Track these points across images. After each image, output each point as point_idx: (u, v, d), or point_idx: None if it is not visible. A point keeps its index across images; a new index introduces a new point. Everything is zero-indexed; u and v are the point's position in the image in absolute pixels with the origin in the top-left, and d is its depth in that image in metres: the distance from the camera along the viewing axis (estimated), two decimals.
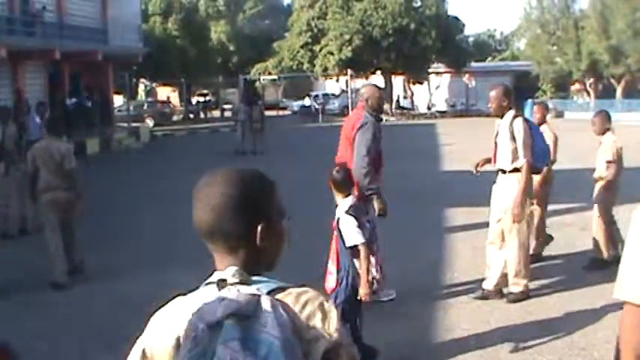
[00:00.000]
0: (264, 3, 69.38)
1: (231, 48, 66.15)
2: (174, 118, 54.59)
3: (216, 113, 59.24)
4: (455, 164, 20.79)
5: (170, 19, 53.63)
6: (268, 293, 1.82)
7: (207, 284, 1.94)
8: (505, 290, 8.02)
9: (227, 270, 1.88)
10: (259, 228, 1.96)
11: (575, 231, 11.45)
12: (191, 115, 57.51)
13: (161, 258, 10.41)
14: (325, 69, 53.43)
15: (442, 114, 54.11)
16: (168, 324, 1.91)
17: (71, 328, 7.69)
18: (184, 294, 1.97)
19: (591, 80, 51.50)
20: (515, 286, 7.95)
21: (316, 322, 1.87)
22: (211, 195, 1.94)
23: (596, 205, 9.43)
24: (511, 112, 7.93)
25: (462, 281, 8.83)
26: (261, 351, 1.68)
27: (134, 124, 38.23)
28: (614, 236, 9.29)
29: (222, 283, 1.84)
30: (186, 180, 16.97)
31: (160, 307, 2.00)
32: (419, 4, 54.34)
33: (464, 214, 12.91)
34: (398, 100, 58.13)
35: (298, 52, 55.58)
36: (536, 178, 8.81)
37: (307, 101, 59.03)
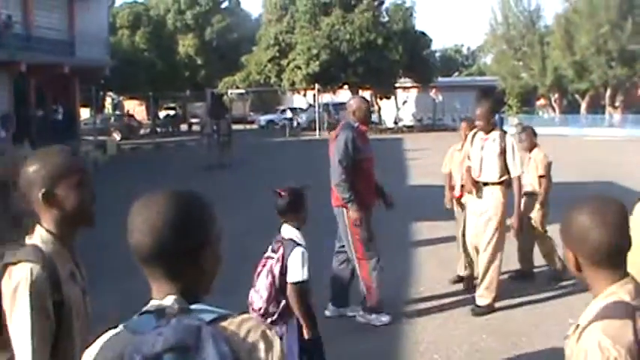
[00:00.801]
0: (232, 17, 69.14)
1: (199, 61, 65.97)
2: (142, 131, 54.36)
3: (184, 127, 59.10)
4: (421, 178, 20.89)
5: (138, 32, 53.49)
6: (209, 323, 1.76)
7: (143, 313, 1.85)
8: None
9: (166, 298, 1.82)
10: (204, 250, 1.92)
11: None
12: (158, 129, 57.29)
13: (125, 271, 10.33)
14: (293, 83, 53.49)
15: (409, 128, 54.36)
16: (105, 357, 1.82)
17: None
18: (116, 326, 1.88)
19: (556, 95, 52.05)
20: (482, 299, 8.04)
21: (260, 352, 1.82)
22: (153, 216, 1.86)
23: (531, 219, 9.53)
24: (497, 129, 8.35)
25: (428, 295, 8.88)
26: None
27: (101, 138, 38.01)
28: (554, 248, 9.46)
29: (160, 313, 1.77)
30: (148, 192, 17.04)
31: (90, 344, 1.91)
32: (386, 19, 54.64)
33: (430, 228, 12.97)
34: None
35: (266, 66, 55.58)
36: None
37: (275, 116, 59.22)
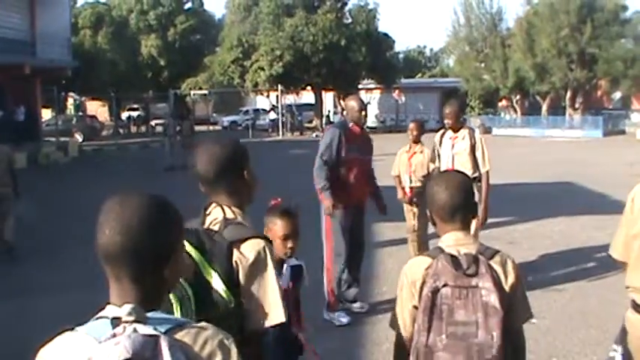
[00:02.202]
0: (195, 18, 68.97)
1: (162, 62, 65.72)
2: (104, 133, 53.95)
3: (144, 128, 58.80)
4: (384, 179, 20.98)
5: (100, 32, 53.10)
6: (165, 332, 1.73)
7: (98, 318, 1.83)
8: None
9: (123, 307, 1.75)
10: (171, 257, 1.92)
11: (502, 245, 11.68)
12: (121, 130, 56.91)
13: (88, 275, 10.28)
14: (256, 84, 53.48)
15: (372, 130, 54.37)
16: None
17: None
18: (72, 328, 1.85)
19: (518, 97, 52.55)
20: None
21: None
22: (127, 215, 1.85)
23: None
24: (466, 127, 8.74)
25: (391, 296, 8.94)
26: None
27: (62, 139, 37.68)
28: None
29: (116, 321, 1.73)
30: (111, 194, 16.97)
31: (44, 344, 1.88)
32: (349, 20, 54.80)
33: (392, 229, 13.03)
34: (328, 116, 58.43)
35: (229, 67, 55.48)
36: None
37: (237, 117, 59.13)
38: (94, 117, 54.98)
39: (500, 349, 2.85)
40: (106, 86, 51.39)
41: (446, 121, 8.79)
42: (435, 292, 2.91)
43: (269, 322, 2.76)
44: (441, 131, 9.00)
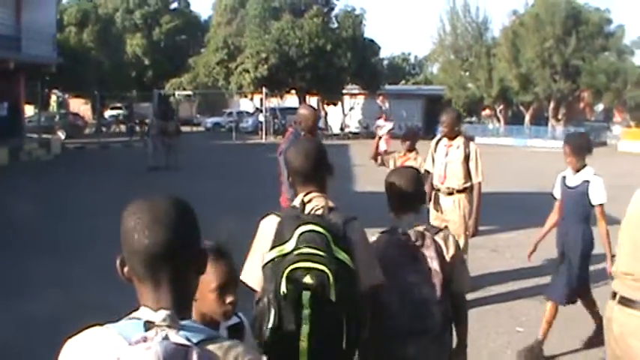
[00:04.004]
0: (181, 18, 68.91)
1: (146, 62, 65.59)
2: (87, 131, 53.71)
3: (123, 128, 58.65)
4: (367, 185, 21.01)
5: (86, 30, 52.89)
6: (197, 343, 1.73)
7: (130, 319, 1.85)
8: None
9: (159, 312, 1.75)
10: (199, 260, 1.97)
11: (486, 253, 11.75)
12: (104, 129, 56.69)
13: (67, 274, 10.23)
14: (240, 86, 53.43)
15: (355, 135, 54.52)
16: (85, 355, 1.80)
17: None
18: (101, 324, 1.85)
19: (501, 106, 52.79)
20: None
21: None
22: (164, 216, 1.87)
23: None
24: (461, 136, 8.83)
25: None
26: None
27: (45, 136, 37.47)
28: None
29: (149, 324, 1.72)
30: (95, 194, 16.66)
31: (72, 335, 1.89)
32: (336, 25, 54.88)
33: (375, 235, 13.07)
34: None
35: (214, 68, 55.44)
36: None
37: (221, 118, 59.04)
38: (77, 115, 54.73)
39: (441, 304, 3.66)
40: (89, 84, 51.16)
41: (441, 129, 8.86)
42: (390, 259, 3.69)
43: (378, 280, 3.51)
44: (437, 137, 9.07)
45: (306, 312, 3.14)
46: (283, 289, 3.12)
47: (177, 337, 1.67)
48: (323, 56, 50.71)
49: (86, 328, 1.88)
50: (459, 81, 53.38)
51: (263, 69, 50.51)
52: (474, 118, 56.04)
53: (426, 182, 8.89)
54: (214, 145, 43.02)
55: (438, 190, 8.76)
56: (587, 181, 6.90)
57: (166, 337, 1.65)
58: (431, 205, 8.86)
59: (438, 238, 3.79)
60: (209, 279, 2.86)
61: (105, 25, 55.92)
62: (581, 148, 6.97)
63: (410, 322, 3.65)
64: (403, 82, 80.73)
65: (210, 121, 62.58)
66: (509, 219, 14.74)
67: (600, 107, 51.67)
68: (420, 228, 3.80)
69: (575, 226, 7.07)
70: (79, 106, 63.31)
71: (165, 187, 21.06)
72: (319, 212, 3.45)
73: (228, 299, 2.93)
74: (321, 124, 58.34)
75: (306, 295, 3.12)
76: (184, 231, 1.89)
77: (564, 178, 7.15)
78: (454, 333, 3.95)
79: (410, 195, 3.90)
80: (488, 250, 11.84)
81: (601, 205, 6.85)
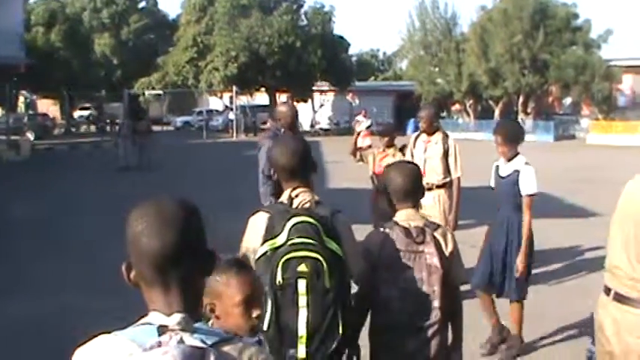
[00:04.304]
0: (149, 17, 68.56)
1: (115, 61, 65.20)
2: (55, 132, 53.36)
3: (93, 128, 58.44)
4: (340, 182, 21.06)
5: (53, 29, 52.42)
6: (212, 345, 1.72)
7: (141, 324, 1.82)
8: None
9: (173, 316, 1.76)
10: (214, 257, 1.96)
11: (465, 248, 11.79)
12: (73, 129, 56.35)
13: (47, 278, 10.18)
14: (210, 85, 53.32)
15: (326, 132, 54.52)
16: None
17: None
18: (109, 332, 1.82)
19: (471, 101, 52.99)
20: None
21: None
22: (170, 218, 1.85)
23: None
24: (440, 131, 8.78)
25: None
26: None
27: (14, 137, 37.08)
28: None
29: (163, 329, 1.72)
30: (70, 195, 16.54)
31: (80, 344, 1.85)
32: (305, 22, 54.87)
33: (358, 231, 13.11)
34: None
35: (184, 67, 55.24)
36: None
37: (190, 117, 58.88)
38: (46, 115, 54.34)
39: (440, 300, 3.71)
40: (58, 84, 50.77)
41: (420, 125, 8.90)
42: (391, 254, 3.75)
43: (359, 272, 3.71)
44: (416, 133, 9.11)
45: (302, 299, 3.28)
46: (279, 278, 3.26)
47: (193, 340, 1.67)
48: (293, 53, 50.73)
49: (94, 336, 1.85)
50: (429, 76, 53.47)
51: (233, 67, 50.44)
52: (444, 113, 56.14)
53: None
54: (185, 144, 42.85)
55: None
56: (518, 171, 6.78)
57: (181, 341, 1.65)
58: None
59: (437, 234, 3.86)
60: (232, 293, 2.77)
61: (73, 25, 55.41)
62: (512, 137, 6.88)
63: (410, 317, 3.74)
64: (372, 78, 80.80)
65: (180, 120, 62.43)
66: (485, 213, 14.81)
67: (568, 101, 52.02)
68: (420, 223, 3.88)
69: (510, 217, 6.92)
70: (48, 107, 62.88)
71: (138, 186, 20.99)
72: (307, 206, 3.63)
73: (255, 313, 2.81)
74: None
75: (302, 283, 3.27)
76: (193, 233, 1.88)
77: (497, 167, 7.05)
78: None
79: (409, 190, 3.96)
80: (467, 246, 11.74)
81: (530, 195, 6.74)
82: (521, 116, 49.36)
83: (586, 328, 7.33)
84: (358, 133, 9.75)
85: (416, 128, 51.61)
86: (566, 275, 9.93)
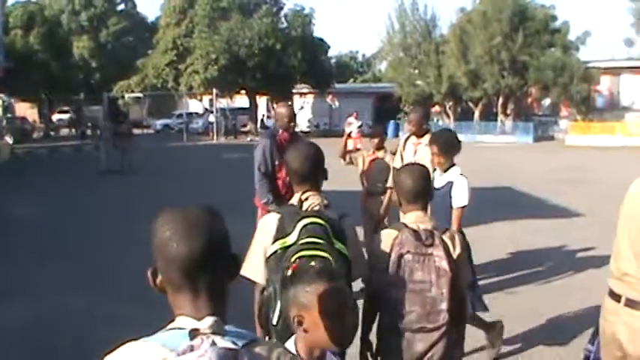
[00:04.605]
0: (128, 20, 68.34)
1: (94, 64, 64.91)
2: (35, 135, 53.07)
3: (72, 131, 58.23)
4: (329, 184, 21.11)
5: (32, 32, 52.11)
6: (243, 347, 1.76)
7: (171, 329, 1.87)
8: None
9: (205, 319, 1.77)
10: (238, 261, 2.03)
11: None
12: (52, 133, 56.03)
13: (35, 281, 10.16)
14: (190, 88, 53.25)
15: (306, 134, 54.47)
16: None
17: None
18: (135, 339, 1.85)
19: (451, 103, 53.14)
20: None
21: None
22: (198, 224, 1.90)
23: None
24: (429, 133, 8.59)
25: None
26: None
27: None
28: None
29: (194, 332, 1.71)
30: (52, 199, 16.39)
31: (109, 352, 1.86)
32: (285, 25, 54.88)
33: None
34: (262, 120, 58.43)
35: (163, 70, 55.13)
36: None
37: (170, 120, 58.76)
38: (25, 119, 54.03)
39: (448, 302, 3.73)
40: (36, 87, 50.48)
41: (409, 128, 8.92)
42: (400, 257, 3.77)
43: (365, 272, 3.97)
44: (406, 135, 9.13)
45: None
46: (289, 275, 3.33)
47: (225, 342, 1.70)
48: (273, 56, 50.72)
49: (120, 344, 1.86)
50: (409, 78, 53.56)
51: (213, 70, 50.36)
52: None
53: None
54: (166, 147, 42.67)
55: None
56: (452, 182, 6.55)
57: (213, 343, 1.67)
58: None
59: (445, 237, 3.87)
60: (317, 308, 2.61)
61: (51, 27, 55.09)
62: (448, 147, 6.61)
63: (418, 319, 3.77)
64: (351, 80, 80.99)
65: (159, 123, 62.18)
66: (470, 214, 14.91)
67: (547, 102, 52.27)
68: (429, 226, 3.89)
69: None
70: (25, 110, 62.43)
71: (122, 190, 20.94)
72: (317, 208, 3.81)
73: (345, 324, 2.67)
74: (271, 123, 58.45)
75: None
76: (219, 237, 1.93)
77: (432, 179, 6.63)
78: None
79: (419, 192, 4.00)
80: None
81: (460, 207, 6.49)
82: (500, 118, 49.66)
83: (577, 326, 7.41)
84: (348, 135, 9.75)
85: (396, 130, 51.61)
86: (554, 275, 10.00)
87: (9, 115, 55.81)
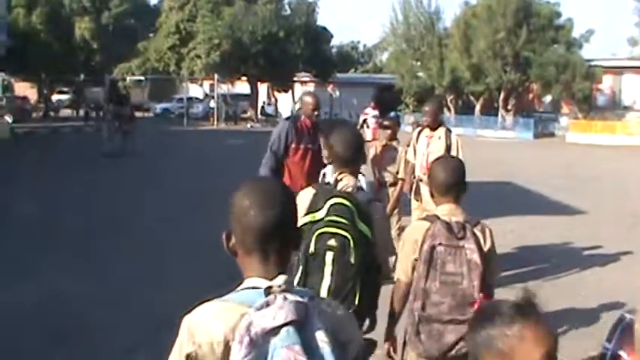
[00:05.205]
0: (130, 2, 68.02)
1: (95, 46, 64.61)
2: (34, 115, 52.93)
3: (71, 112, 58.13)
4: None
5: (34, 12, 51.91)
6: (309, 301, 1.94)
7: (245, 289, 2.07)
8: None
9: (278, 278, 1.96)
10: (301, 234, 2.34)
11: None
12: (52, 113, 55.88)
13: (35, 265, 10.12)
14: (192, 72, 53.11)
15: None
16: (213, 327, 1.97)
17: None
18: (210, 299, 2.05)
19: (452, 96, 53.04)
20: None
21: (345, 324, 2.11)
22: (270, 195, 2.14)
23: None
24: (443, 126, 8.81)
25: None
26: (316, 353, 1.84)
27: None
28: None
29: (269, 290, 1.91)
30: (57, 181, 16.32)
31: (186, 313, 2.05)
32: (289, 12, 54.77)
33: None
34: (263, 107, 58.36)
35: (165, 53, 54.97)
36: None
37: (170, 104, 58.69)
38: (25, 98, 53.85)
39: (479, 294, 3.70)
40: (37, 67, 50.28)
41: (424, 119, 8.90)
42: (433, 248, 3.81)
43: (392, 255, 4.13)
44: (419, 128, 9.12)
45: (327, 269, 3.69)
46: (312, 249, 3.68)
47: (293, 297, 1.89)
48: (275, 43, 50.66)
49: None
50: (411, 70, 53.50)
51: (215, 55, 50.26)
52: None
53: (408, 172, 9.01)
54: (167, 131, 42.51)
55: (420, 180, 8.80)
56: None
57: (285, 298, 1.87)
58: (412, 195, 8.94)
59: (477, 230, 3.92)
60: (530, 349, 1.98)
61: (54, 7, 54.87)
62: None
63: (449, 310, 3.82)
64: (352, 70, 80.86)
65: (159, 106, 61.96)
66: (475, 209, 14.85)
67: (549, 99, 52.18)
68: (460, 219, 3.93)
69: None
70: (25, 90, 62.26)
71: (127, 173, 20.93)
72: (349, 190, 4.00)
73: None
74: (271, 110, 58.46)
75: (329, 255, 3.67)
76: (289, 211, 2.18)
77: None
78: None
79: (451, 184, 4.04)
80: None
81: None
82: (501, 113, 49.60)
83: (586, 322, 7.43)
84: (362, 123, 9.69)
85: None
86: (561, 271, 10.01)
87: (8, 95, 55.67)
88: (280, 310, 1.83)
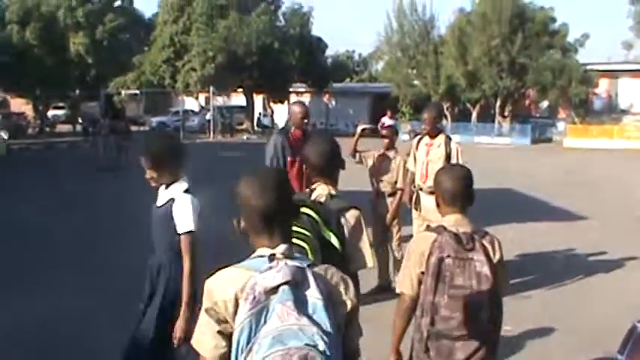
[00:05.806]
0: (124, 16, 67.92)
1: (90, 60, 64.53)
2: (30, 131, 52.88)
3: (68, 127, 58.03)
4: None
5: (28, 27, 51.85)
6: (307, 266, 2.38)
7: (254, 258, 2.52)
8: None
9: (279, 247, 2.47)
10: (298, 208, 2.96)
11: None
12: (47, 129, 55.80)
13: (33, 280, 10.00)
14: (187, 85, 53.03)
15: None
16: (227, 288, 2.42)
17: None
18: (221, 268, 2.54)
19: (448, 104, 52.98)
20: None
21: (340, 289, 2.52)
22: (271, 181, 2.59)
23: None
24: (443, 133, 8.68)
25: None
26: (309, 309, 2.24)
27: None
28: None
29: (272, 257, 2.40)
30: (52, 196, 16.18)
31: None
32: (283, 23, 54.74)
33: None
34: (259, 118, 58.30)
35: (160, 67, 54.88)
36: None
37: (166, 118, 58.57)
38: (21, 114, 53.85)
39: (489, 308, 3.67)
40: (32, 83, 50.18)
41: (423, 127, 8.78)
42: (441, 261, 3.67)
43: (365, 265, 3.86)
44: (419, 136, 9.01)
45: None
46: None
47: (294, 263, 2.36)
48: (270, 54, 50.57)
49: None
50: (406, 78, 53.46)
51: (210, 67, 50.16)
52: (420, 115, 56.16)
53: (407, 181, 8.89)
54: None
55: (420, 189, 8.67)
56: (173, 200, 4.95)
57: (286, 264, 2.33)
58: (412, 205, 8.81)
59: (485, 241, 3.78)
60: None
61: (48, 23, 54.81)
62: (167, 156, 5.13)
63: (459, 325, 3.67)
64: (348, 79, 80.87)
65: (155, 120, 61.85)
66: (475, 216, 14.75)
67: (545, 104, 52.22)
68: (468, 229, 3.80)
69: (163, 262, 5.01)
70: (20, 106, 62.19)
71: (123, 186, 20.76)
72: (322, 199, 3.97)
73: None
74: (267, 122, 58.38)
75: None
76: (286, 193, 2.62)
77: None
78: None
79: (457, 194, 3.92)
80: None
81: (187, 233, 4.82)
82: (498, 119, 49.59)
83: (592, 329, 7.29)
84: (360, 133, 9.49)
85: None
86: (565, 279, 9.88)
87: (4, 111, 55.62)
88: (278, 273, 2.27)
